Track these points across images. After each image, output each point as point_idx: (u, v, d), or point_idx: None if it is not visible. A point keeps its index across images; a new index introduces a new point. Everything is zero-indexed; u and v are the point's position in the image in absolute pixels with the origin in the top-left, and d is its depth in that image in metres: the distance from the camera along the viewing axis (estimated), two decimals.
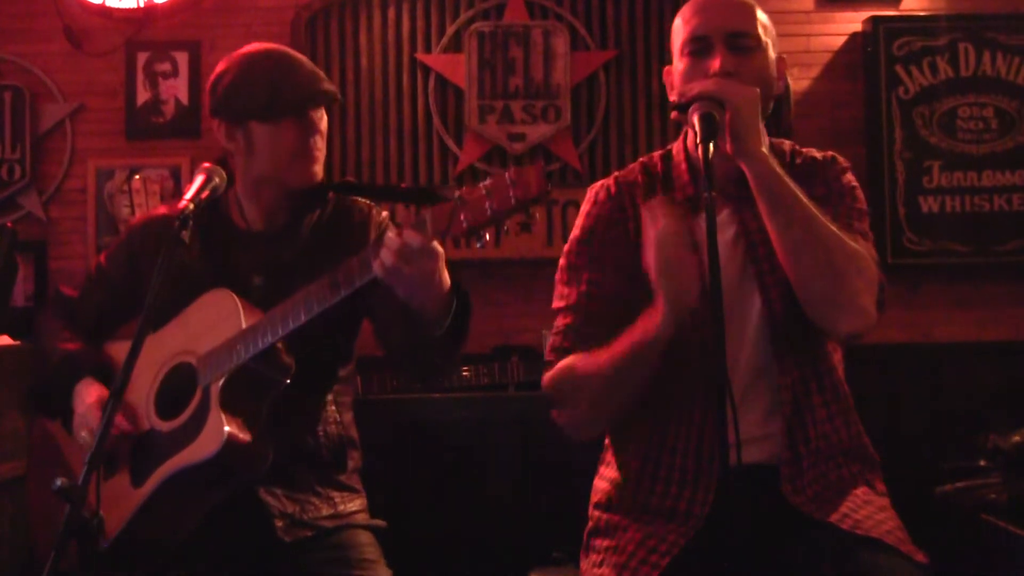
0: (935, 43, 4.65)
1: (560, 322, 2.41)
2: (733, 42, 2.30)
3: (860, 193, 2.39)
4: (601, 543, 2.33)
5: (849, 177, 2.41)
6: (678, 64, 2.35)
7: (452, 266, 2.32)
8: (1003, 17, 4.70)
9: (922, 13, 4.72)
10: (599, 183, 2.51)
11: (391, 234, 2.19)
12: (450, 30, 4.76)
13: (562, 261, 2.46)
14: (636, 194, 2.42)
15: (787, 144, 2.47)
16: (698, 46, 2.31)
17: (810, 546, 2.14)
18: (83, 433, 2.56)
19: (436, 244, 2.19)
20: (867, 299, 2.19)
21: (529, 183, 2.05)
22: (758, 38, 2.31)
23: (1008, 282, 4.67)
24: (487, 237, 2.12)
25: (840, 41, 4.75)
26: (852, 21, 4.75)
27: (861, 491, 2.27)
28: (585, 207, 2.48)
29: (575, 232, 2.47)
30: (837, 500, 2.22)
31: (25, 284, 4.61)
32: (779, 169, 2.18)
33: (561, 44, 4.71)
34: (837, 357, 2.37)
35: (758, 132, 2.18)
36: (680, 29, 2.36)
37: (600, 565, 2.29)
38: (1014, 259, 4.63)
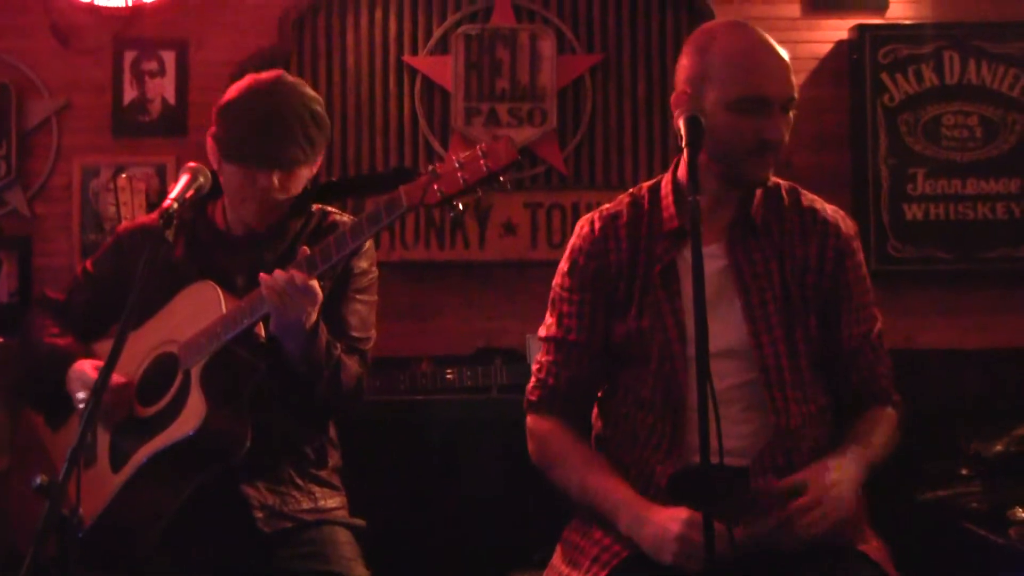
0: (920, 51, 4.66)
1: (542, 357, 2.51)
2: (787, 107, 2.32)
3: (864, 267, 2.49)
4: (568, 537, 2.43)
5: (858, 246, 2.48)
6: (720, 114, 2.30)
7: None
8: (988, 26, 4.71)
9: (908, 21, 4.73)
10: (585, 217, 2.55)
11: (278, 270, 2.40)
12: (437, 32, 4.75)
13: (551, 293, 2.54)
14: (620, 227, 2.46)
15: (785, 185, 2.49)
16: (755, 106, 2.28)
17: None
18: (80, 394, 2.57)
19: (315, 286, 2.42)
20: None
21: (499, 154, 2.26)
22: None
23: (991, 289, 4.67)
24: (460, 207, 2.31)
25: (826, 48, 4.76)
26: (838, 28, 4.75)
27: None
28: (570, 240, 2.54)
29: (561, 264, 2.54)
30: None
31: (9, 281, 4.60)
32: None
33: (547, 47, 4.71)
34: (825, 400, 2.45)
35: None
36: (726, 74, 2.30)
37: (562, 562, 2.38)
38: (998, 267, 4.63)
